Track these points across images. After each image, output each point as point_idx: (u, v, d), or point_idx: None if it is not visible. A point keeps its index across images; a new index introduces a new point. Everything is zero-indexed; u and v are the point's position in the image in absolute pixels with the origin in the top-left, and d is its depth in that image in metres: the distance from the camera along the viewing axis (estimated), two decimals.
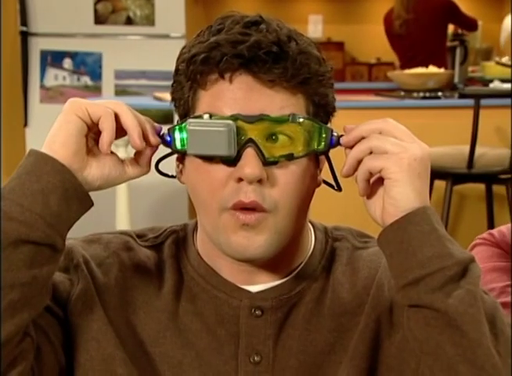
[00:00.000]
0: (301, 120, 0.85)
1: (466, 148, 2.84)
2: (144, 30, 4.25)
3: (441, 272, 0.79)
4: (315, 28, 5.69)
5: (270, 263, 0.90)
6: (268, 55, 0.84)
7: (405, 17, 4.35)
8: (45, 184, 0.80)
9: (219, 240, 0.87)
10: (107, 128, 0.82)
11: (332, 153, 0.90)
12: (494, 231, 1.14)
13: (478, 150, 2.84)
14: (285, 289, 0.92)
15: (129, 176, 0.87)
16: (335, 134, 0.87)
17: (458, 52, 4.50)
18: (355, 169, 0.84)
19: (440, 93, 3.40)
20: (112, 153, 0.85)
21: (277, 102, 0.85)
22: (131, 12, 4.25)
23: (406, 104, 3.35)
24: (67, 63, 4.14)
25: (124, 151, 2.58)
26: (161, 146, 0.89)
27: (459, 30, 4.74)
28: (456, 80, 4.46)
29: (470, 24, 4.55)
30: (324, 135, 0.86)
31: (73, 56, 4.15)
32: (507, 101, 3.05)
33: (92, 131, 0.84)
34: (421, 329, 0.80)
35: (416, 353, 0.83)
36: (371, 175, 0.83)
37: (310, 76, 0.86)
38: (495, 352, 0.78)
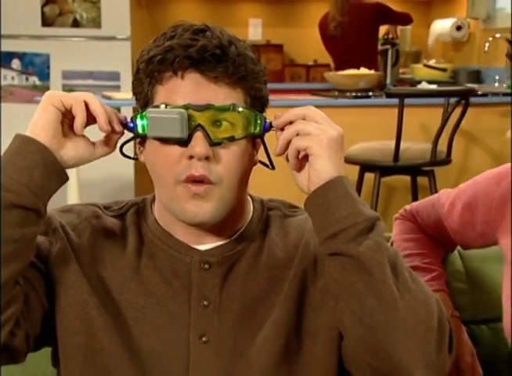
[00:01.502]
0: (240, 109, 1.01)
1: (393, 143, 3.01)
2: (90, 32, 4.28)
3: (353, 227, 0.96)
4: (254, 31, 5.71)
5: (216, 227, 1.07)
6: (213, 56, 1.00)
7: (340, 20, 4.45)
8: (29, 161, 0.96)
9: (174, 208, 1.04)
10: (79, 114, 0.98)
11: (266, 138, 1.07)
12: (408, 207, 1.33)
13: (403, 145, 3.00)
14: (228, 248, 1.09)
15: (98, 155, 1.03)
16: (268, 121, 1.04)
17: (389, 54, 4.68)
18: (286, 149, 1.01)
19: (370, 93, 3.58)
20: (84, 136, 1.01)
21: (220, 94, 1.01)
22: (77, 15, 4.27)
23: (340, 103, 3.52)
24: (15, 63, 4.17)
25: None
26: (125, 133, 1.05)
27: (391, 35, 4.94)
28: (388, 81, 4.66)
29: (405, 18, 4.68)
30: (259, 122, 1.03)
31: (21, 56, 4.18)
32: (430, 100, 3.29)
33: (67, 118, 1.00)
34: (339, 272, 0.97)
35: (335, 294, 1.00)
36: (299, 152, 1.00)
37: (247, 74, 1.02)
38: (395, 288, 0.96)
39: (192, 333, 1.05)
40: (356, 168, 3.19)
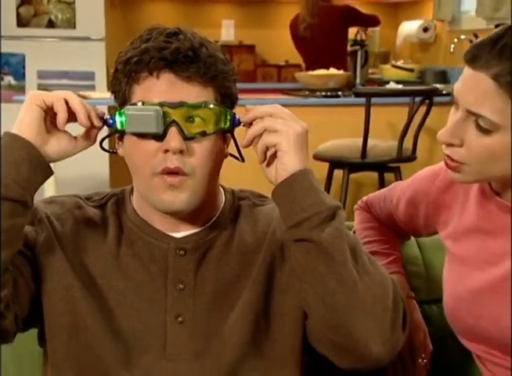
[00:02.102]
0: (212, 106, 1.08)
1: (361, 140, 3.09)
2: (65, 32, 4.32)
3: (317, 216, 1.03)
4: (227, 32, 5.74)
5: (190, 215, 1.14)
6: (186, 58, 1.07)
7: (310, 22, 4.54)
8: (16, 157, 1.03)
9: (151, 198, 1.11)
10: (60, 111, 1.05)
11: (236, 132, 1.13)
12: (364, 198, 1.42)
13: (371, 143, 3.09)
14: (202, 235, 1.16)
15: (79, 149, 1.10)
16: (237, 117, 1.11)
17: (359, 55, 4.79)
18: (252, 142, 1.08)
19: (340, 92, 3.67)
20: (66, 132, 1.08)
21: (193, 93, 1.07)
22: (52, 16, 4.31)
23: (310, 102, 3.60)
24: None
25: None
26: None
27: (360, 36, 5.04)
28: (358, 81, 4.76)
29: (373, 21, 4.79)
30: (229, 118, 1.10)
31: None
32: (396, 99, 3.39)
33: (50, 115, 1.06)
34: (303, 256, 1.05)
35: (300, 276, 1.07)
36: (267, 148, 1.07)
37: (217, 73, 1.09)
38: (354, 271, 1.05)
39: (168, 314, 1.12)
40: (326, 165, 3.26)
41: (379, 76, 5.01)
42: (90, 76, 4.32)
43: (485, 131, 1.06)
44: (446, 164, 1.13)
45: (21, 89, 4.22)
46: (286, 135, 1.04)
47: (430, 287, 1.33)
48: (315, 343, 1.12)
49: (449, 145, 1.10)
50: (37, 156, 1.04)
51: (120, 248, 1.15)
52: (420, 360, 1.25)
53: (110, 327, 1.11)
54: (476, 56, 1.05)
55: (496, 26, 3.98)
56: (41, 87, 4.23)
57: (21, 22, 4.26)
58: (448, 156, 1.12)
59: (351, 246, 1.06)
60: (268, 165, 1.08)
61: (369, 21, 4.76)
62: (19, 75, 4.25)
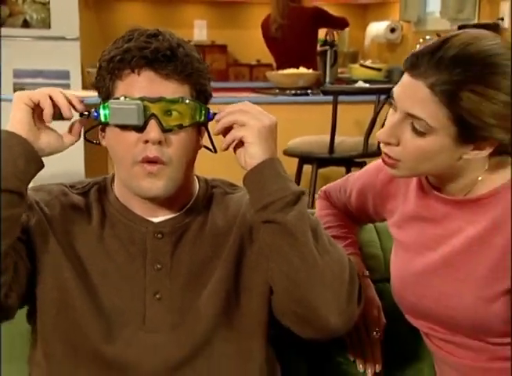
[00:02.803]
0: (188, 101, 1.17)
1: (329, 137, 3.19)
2: (40, 32, 4.34)
3: (282, 200, 1.12)
4: (200, 32, 5.80)
5: (167, 202, 1.23)
6: (164, 57, 1.16)
7: (281, 22, 4.62)
8: (13, 152, 1.11)
9: (132, 185, 1.20)
10: (46, 107, 1.14)
11: (210, 126, 1.22)
12: (323, 188, 1.53)
13: (338, 139, 3.19)
14: (178, 220, 1.25)
15: (67, 144, 1.19)
16: (211, 111, 1.21)
17: (328, 55, 4.86)
18: (221, 132, 1.17)
19: (309, 91, 3.77)
20: (53, 130, 1.17)
21: (171, 89, 1.16)
22: (27, 16, 4.34)
23: (280, 100, 3.70)
24: None
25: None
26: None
27: (329, 37, 5.14)
28: (328, 80, 4.85)
29: (341, 23, 4.89)
30: (203, 112, 1.20)
31: None
32: (363, 97, 3.50)
33: (37, 112, 1.15)
34: (270, 237, 1.14)
35: (267, 255, 1.17)
36: (235, 139, 1.16)
37: (193, 71, 1.18)
38: (315, 250, 1.15)
39: (147, 291, 1.21)
40: (295, 161, 3.36)
41: (348, 75, 5.11)
42: (65, 75, 4.36)
43: (420, 134, 1.13)
44: (383, 160, 1.21)
45: None
46: (252, 128, 1.13)
47: (385, 267, 1.42)
48: (279, 316, 1.22)
49: (387, 144, 1.18)
50: (31, 151, 1.13)
51: (103, 231, 1.24)
52: (374, 333, 1.35)
53: (94, 303, 1.20)
54: (415, 65, 1.12)
55: (459, 27, 4.16)
56: (16, 86, 4.27)
57: None
58: (385, 153, 1.19)
59: (313, 227, 1.15)
60: (240, 156, 1.16)
61: (338, 23, 4.86)
62: None
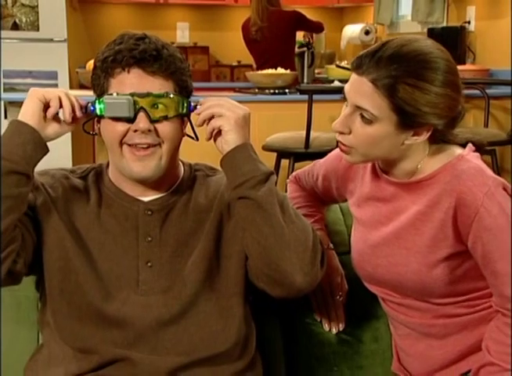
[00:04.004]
0: (172, 96, 1.31)
1: (304, 133, 3.29)
2: (29, 34, 4.44)
3: (253, 179, 1.28)
4: (182, 34, 5.87)
5: (155, 183, 1.37)
6: (151, 57, 1.30)
7: (260, 25, 4.72)
8: (23, 139, 1.26)
9: (124, 168, 1.35)
10: (53, 105, 1.30)
11: (191, 117, 1.37)
12: (294, 173, 1.68)
13: (313, 134, 3.29)
14: (165, 199, 1.40)
15: (68, 130, 1.34)
16: (192, 104, 1.36)
17: (306, 56, 4.99)
18: (202, 124, 1.31)
19: (286, 90, 3.87)
20: (57, 120, 1.31)
21: (157, 85, 1.30)
22: (17, 19, 4.43)
23: (259, 99, 3.80)
24: None
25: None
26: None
27: (307, 39, 5.28)
28: (305, 80, 4.98)
29: (317, 27, 5.04)
30: (186, 105, 1.34)
31: None
32: (337, 96, 3.58)
33: (46, 107, 1.30)
34: (244, 211, 1.29)
35: (242, 227, 1.33)
36: (213, 129, 1.30)
37: (176, 70, 1.32)
38: (282, 220, 1.29)
39: (140, 260, 1.37)
40: (274, 155, 3.47)
41: (325, 75, 5.18)
42: (53, 75, 4.45)
43: (367, 122, 1.28)
44: (340, 148, 1.36)
45: None
46: (228, 118, 1.28)
47: (348, 241, 1.55)
48: (254, 279, 1.38)
49: (341, 133, 1.33)
50: (39, 138, 1.28)
51: (100, 209, 1.40)
52: (338, 297, 1.50)
53: (94, 269, 1.36)
54: (359, 65, 1.28)
55: (429, 29, 4.37)
56: (6, 85, 4.36)
57: None
58: (340, 142, 1.34)
59: (280, 201, 1.31)
60: (215, 141, 1.32)
61: (315, 27, 5.00)
62: None
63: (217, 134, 1.32)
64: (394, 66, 1.26)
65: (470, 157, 1.35)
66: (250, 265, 1.38)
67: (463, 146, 1.38)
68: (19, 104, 3.31)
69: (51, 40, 4.49)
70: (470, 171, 1.31)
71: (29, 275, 1.39)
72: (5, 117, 3.96)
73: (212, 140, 1.34)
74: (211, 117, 1.32)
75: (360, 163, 1.43)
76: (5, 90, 4.40)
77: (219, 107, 1.30)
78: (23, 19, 4.46)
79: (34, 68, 4.43)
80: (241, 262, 1.40)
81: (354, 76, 1.30)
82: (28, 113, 1.29)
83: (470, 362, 1.37)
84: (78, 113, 1.32)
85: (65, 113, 1.30)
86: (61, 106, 1.31)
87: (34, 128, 1.28)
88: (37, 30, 4.47)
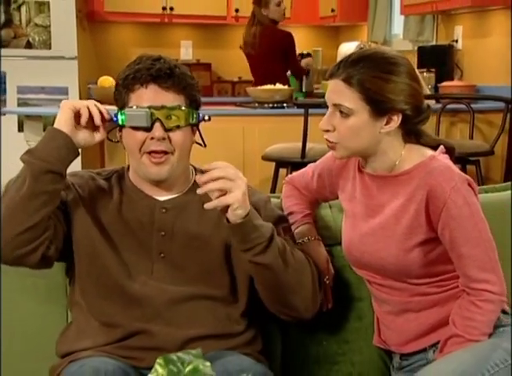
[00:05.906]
0: (183, 108, 1.47)
1: (301, 144, 3.45)
2: (42, 52, 4.59)
3: (258, 246, 1.40)
4: (186, 51, 6.01)
5: (169, 185, 1.53)
6: (165, 74, 1.46)
7: (252, 41, 4.87)
8: (58, 143, 1.42)
9: (141, 172, 1.52)
10: (83, 114, 1.45)
11: (200, 126, 1.54)
12: (289, 176, 1.79)
13: (309, 145, 3.44)
14: (178, 199, 1.54)
15: (97, 140, 1.52)
16: (201, 115, 1.51)
17: (304, 79, 5.21)
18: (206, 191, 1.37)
19: (284, 104, 4.02)
20: (87, 129, 1.48)
21: (170, 98, 1.46)
22: (30, 38, 4.57)
23: (259, 112, 3.96)
24: None
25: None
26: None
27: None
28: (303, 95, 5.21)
29: (298, 70, 5.08)
30: (195, 116, 1.50)
31: None
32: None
33: (77, 116, 1.45)
34: (253, 269, 1.45)
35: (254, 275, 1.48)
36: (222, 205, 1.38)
37: (186, 85, 1.49)
38: (286, 272, 1.44)
39: (154, 251, 1.52)
40: (272, 164, 3.63)
41: (322, 90, 5.30)
42: (64, 91, 4.60)
43: (346, 116, 1.45)
44: (327, 145, 1.51)
45: (2, 102, 4.48)
46: (236, 195, 1.36)
47: (335, 235, 1.69)
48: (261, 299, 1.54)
49: (326, 131, 1.49)
50: (71, 143, 1.44)
51: (121, 206, 1.56)
52: (325, 280, 1.61)
53: (116, 255, 1.52)
54: (332, 73, 1.49)
55: (419, 47, 4.61)
56: (20, 101, 4.51)
57: (2, 43, 4.47)
58: (326, 139, 1.50)
59: (281, 253, 1.45)
60: (223, 212, 1.40)
61: (296, 68, 5.04)
62: (1, 90, 4.49)
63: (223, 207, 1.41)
64: (360, 65, 1.46)
65: (441, 157, 1.53)
66: (263, 300, 1.55)
67: (435, 148, 1.57)
68: (34, 118, 3.53)
69: (62, 57, 4.62)
70: (440, 168, 1.48)
71: (59, 261, 1.56)
72: (19, 130, 4.11)
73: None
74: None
75: (346, 157, 1.57)
76: (19, 105, 4.54)
77: (225, 183, 1.37)
78: (36, 39, 4.57)
79: (47, 84, 4.55)
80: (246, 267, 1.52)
81: (330, 82, 1.50)
82: (61, 121, 1.45)
83: (440, 334, 1.53)
84: (107, 117, 1.46)
85: (95, 119, 1.45)
86: (90, 115, 1.46)
87: (66, 134, 1.44)
88: (50, 48, 4.60)
